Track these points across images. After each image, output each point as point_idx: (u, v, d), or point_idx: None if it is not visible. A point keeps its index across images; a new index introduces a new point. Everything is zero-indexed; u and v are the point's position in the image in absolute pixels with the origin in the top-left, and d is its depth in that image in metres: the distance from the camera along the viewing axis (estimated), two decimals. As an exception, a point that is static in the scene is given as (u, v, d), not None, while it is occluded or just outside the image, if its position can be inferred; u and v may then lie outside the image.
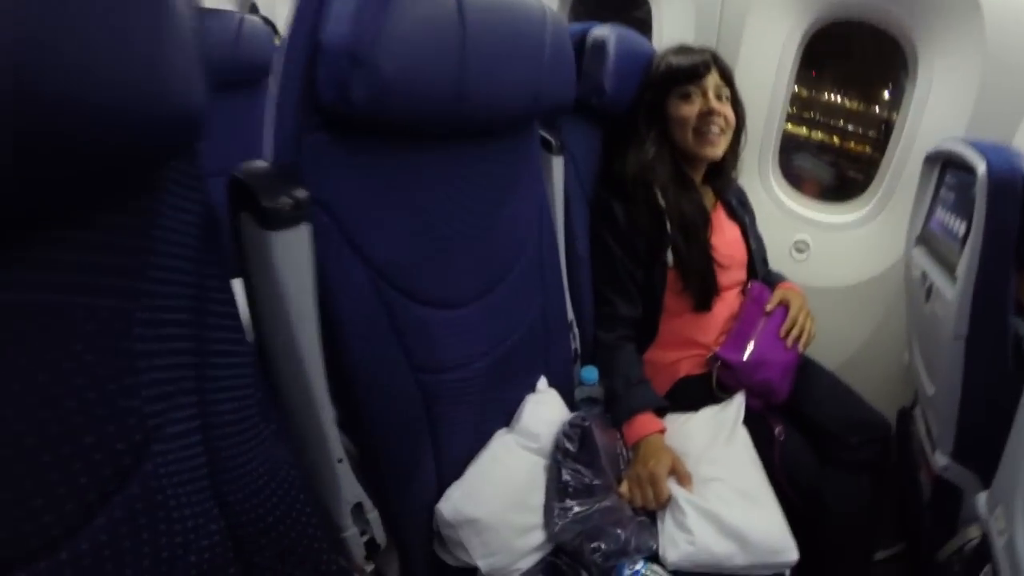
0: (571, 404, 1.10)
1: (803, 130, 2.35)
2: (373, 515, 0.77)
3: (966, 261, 1.09)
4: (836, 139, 2.35)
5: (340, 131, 0.68)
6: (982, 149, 1.09)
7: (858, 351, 1.86)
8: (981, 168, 1.05)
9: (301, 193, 0.61)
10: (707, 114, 1.18)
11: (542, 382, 1.06)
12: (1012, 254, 1.04)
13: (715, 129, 1.19)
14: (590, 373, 1.12)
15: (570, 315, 1.18)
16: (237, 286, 0.57)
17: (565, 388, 1.11)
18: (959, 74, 1.55)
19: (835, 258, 1.85)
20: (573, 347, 1.19)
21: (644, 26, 1.88)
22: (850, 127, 2.33)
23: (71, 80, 0.31)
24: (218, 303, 0.52)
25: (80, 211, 0.39)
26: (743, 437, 1.09)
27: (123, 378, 0.43)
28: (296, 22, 0.64)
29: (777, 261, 1.54)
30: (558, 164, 1.09)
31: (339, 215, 0.70)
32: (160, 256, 0.45)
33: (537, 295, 1.05)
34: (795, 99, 1.90)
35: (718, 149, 1.21)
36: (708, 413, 1.15)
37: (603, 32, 1.17)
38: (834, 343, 1.83)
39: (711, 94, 1.19)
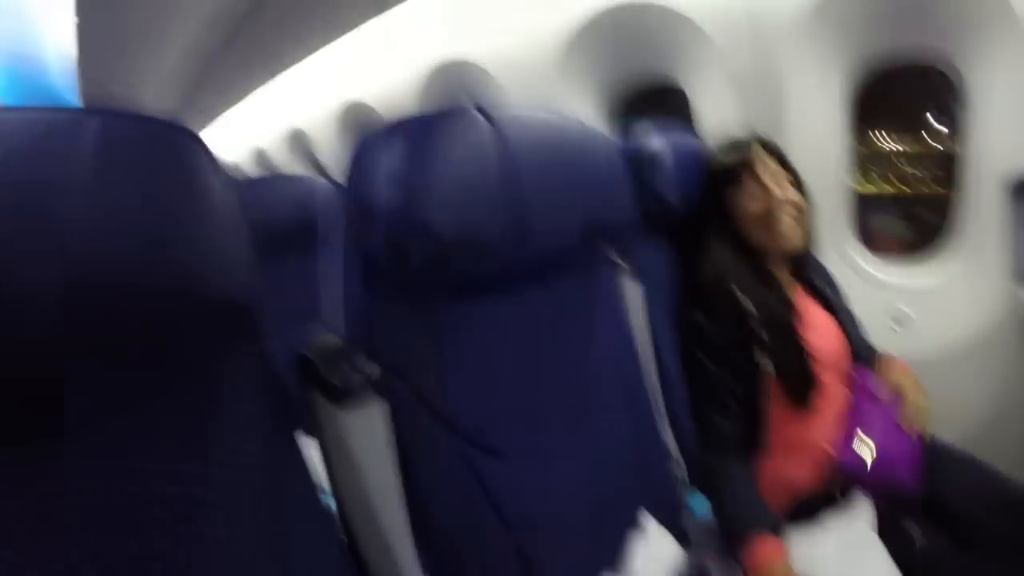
0: (682, 538, 0.99)
1: (869, 187, 2.23)
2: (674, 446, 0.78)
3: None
4: (905, 187, 2.22)
5: (405, 296, 0.68)
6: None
7: (987, 419, 1.63)
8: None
9: (371, 368, 0.61)
10: (775, 208, 1.10)
11: (647, 518, 0.96)
12: None
13: (786, 220, 1.10)
14: (699, 503, 1.02)
15: (671, 443, 1.07)
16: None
17: (673, 522, 1.00)
18: (1012, 90, 1.44)
19: (938, 320, 1.67)
20: (678, 477, 1.08)
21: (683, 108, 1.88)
22: (913, 170, 2.20)
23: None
24: (294, 481, 0.51)
25: (146, 397, 0.40)
26: (879, 552, 0.96)
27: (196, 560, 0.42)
28: (352, 190, 0.66)
29: (875, 337, 1.39)
30: (634, 288, 1.03)
31: (416, 383, 0.68)
32: (227, 437, 0.45)
33: (630, 428, 0.96)
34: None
35: (796, 239, 1.13)
36: (834, 527, 1.01)
37: (657, 144, 1.14)
38: (957, 416, 1.62)
39: (770, 183, 1.11)
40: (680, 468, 1.05)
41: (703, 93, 1.81)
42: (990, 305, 1.58)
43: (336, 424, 0.58)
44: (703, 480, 1.07)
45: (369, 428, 0.61)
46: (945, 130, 2.10)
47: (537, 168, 0.75)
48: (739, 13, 1.63)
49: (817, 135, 1.66)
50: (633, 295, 1.03)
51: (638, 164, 1.11)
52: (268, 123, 3.78)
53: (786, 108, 1.64)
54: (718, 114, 1.75)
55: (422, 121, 0.68)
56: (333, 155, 3.35)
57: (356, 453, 0.60)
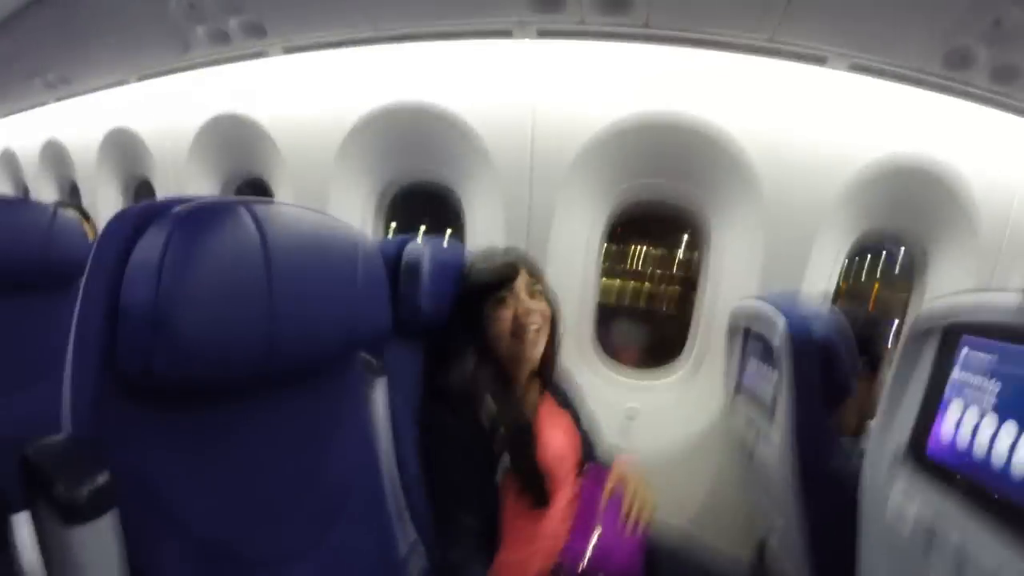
0: None
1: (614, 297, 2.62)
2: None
3: (782, 407, 1.18)
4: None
5: (143, 398, 0.61)
6: (778, 304, 1.24)
7: (705, 501, 1.92)
8: (780, 327, 1.18)
9: (103, 477, 0.54)
10: (522, 315, 1.18)
11: None
12: (821, 402, 1.15)
13: (532, 328, 1.18)
14: None
15: (411, 537, 1.04)
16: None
17: None
18: (747, 239, 1.82)
19: (665, 418, 1.96)
20: None
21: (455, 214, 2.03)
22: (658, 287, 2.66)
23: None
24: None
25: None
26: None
27: None
28: (91, 279, 0.59)
29: (610, 431, 1.57)
30: (380, 386, 1.01)
31: (152, 491, 0.61)
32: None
33: (374, 533, 0.91)
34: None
35: (538, 348, 1.21)
36: None
37: (416, 250, 1.15)
38: (680, 500, 1.89)
39: (523, 294, 1.20)
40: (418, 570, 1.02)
41: (475, 203, 1.97)
42: (709, 409, 1.91)
43: (65, 544, 0.53)
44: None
45: (101, 546, 0.54)
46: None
47: (297, 273, 0.70)
48: (523, 139, 1.84)
49: (575, 257, 1.92)
50: (380, 395, 1.01)
51: (398, 271, 1.14)
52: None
53: (552, 233, 1.86)
54: (487, 233, 1.91)
55: (187, 210, 0.61)
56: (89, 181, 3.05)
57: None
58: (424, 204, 2.17)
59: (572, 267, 1.91)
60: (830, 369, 1.16)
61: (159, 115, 2.51)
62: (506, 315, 1.17)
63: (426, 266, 1.14)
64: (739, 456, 1.69)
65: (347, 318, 0.82)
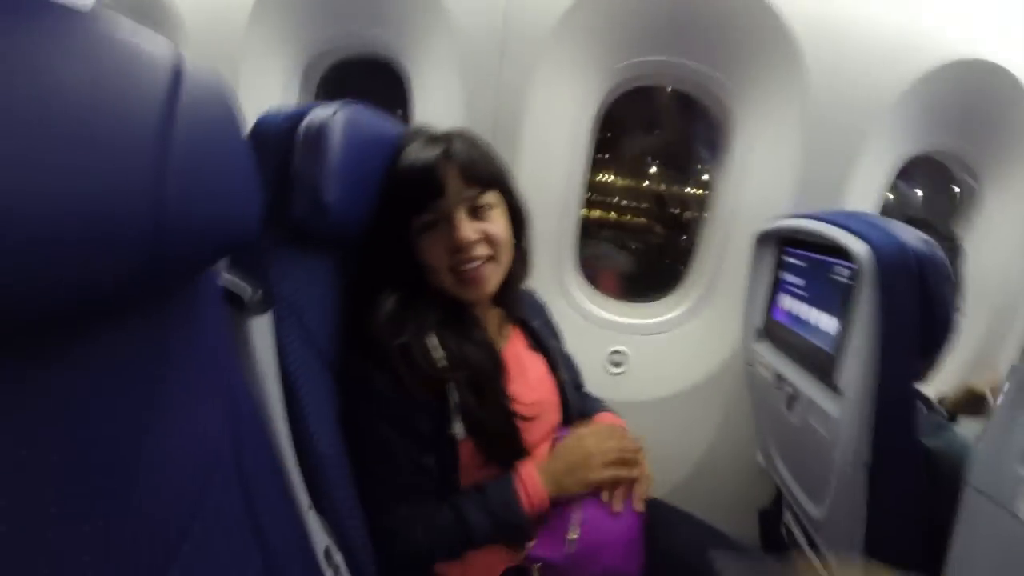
0: None
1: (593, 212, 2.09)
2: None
3: (857, 371, 0.84)
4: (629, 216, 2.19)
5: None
6: (851, 226, 0.86)
7: (702, 460, 1.62)
8: (863, 252, 0.80)
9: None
10: (457, 249, 0.81)
11: None
12: (917, 358, 0.80)
13: (475, 263, 0.83)
14: None
15: (325, 543, 0.69)
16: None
17: None
18: (780, 138, 1.41)
19: (659, 364, 1.61)
20: None
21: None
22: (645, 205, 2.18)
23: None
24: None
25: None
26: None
27: None
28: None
29: (591, 379, 1.21)
30: (262, 327, 0.65)
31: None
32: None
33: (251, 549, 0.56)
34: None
35: (488, 284, 0.85)
36: None
37: (323, 115, 0.71)
38: (674, 457, 1.60)
39: (459, 215, 0.82)
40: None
41: (428, 81, 1.49)
42: (715, 353, 1.56)
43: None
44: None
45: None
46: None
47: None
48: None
49: (555, 157, 1.47)
50: (264, 344, 0.66)
51: (289, 146, 0.70)
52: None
53: (527, 123, 1.41)
54: (441, 108, 1.45)
55: None
56: None
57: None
58: (364, 84, 1.65)
59: (551, 168, 1.46)
60: (928, 317, 0.80)
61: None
62: (437, 247, 0.81)
63: (336, 139, 0.70)
64: (757, 415, 1.38)
65: (149, 207, 0.41)
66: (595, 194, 1.92)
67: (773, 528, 1.39)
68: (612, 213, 2.16)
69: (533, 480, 0.83)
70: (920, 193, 1.82)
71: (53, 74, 0.30)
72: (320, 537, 0.70)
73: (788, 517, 1.31)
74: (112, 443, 0.40)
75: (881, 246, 0.79)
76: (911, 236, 0.82)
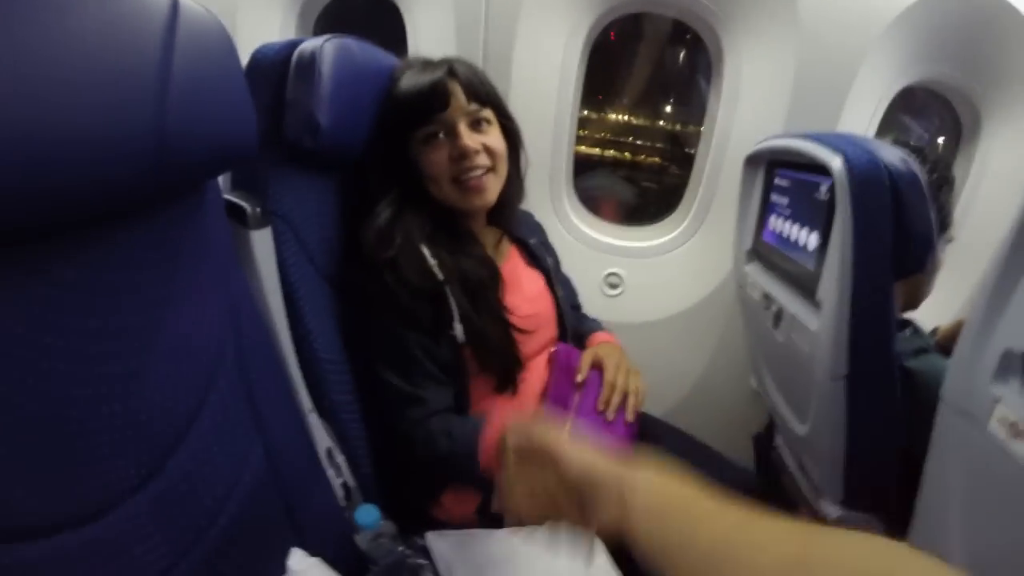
0: (351, 567, 0.74)
1: (593, 150, 2.11)
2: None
3: (833, 284, 0.86)
4: (628, 154, 2.17)
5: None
6: (830, 142, 0.87)
7: (697, 383, 1.68)
8: (836, 165, 0.82)
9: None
10: (460, 157, 0.87)
11: (296, 557, 0.67)
12: (890, 269, 0.83)
13: (477, 172, 0.89)
14: (367, 514, 0.77)
15: (327, 444, 0.76)
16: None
17: (338, 548, 0.74)
18: (772, 63, 1.40)
19: (654, 287, 1.64)
20: (340, 485, 0.80)
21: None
22: (641, 142, 2.16)
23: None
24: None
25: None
26: (600, 556, 0.82)
27: None
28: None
29: (588, 301, 1.26)
30: (263, 240, 0.72)
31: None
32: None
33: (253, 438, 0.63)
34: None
35: (489, 194, 0.92)
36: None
37: (314, 44, 0.78)
38: (669, 380, 1.65)
39: (461, 127, 0.88)
40: (341, 474, 0.82)
41: (420, 17, 1.50)
42: (709, 277, 1.58)
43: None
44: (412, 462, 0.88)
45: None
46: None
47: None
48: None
49: (546, 78, 1.47)
50: (264, 255, 0.73)
51: (284, 74, 0.78)
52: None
53: (516, 44, 1.40)
54: (431, 46, 1.44)
55: None
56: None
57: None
58: (361, 21, 1.65)
59: (543, 94, 1.47)
60: (903, 231, 0.82)
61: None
62: (439, 157, 0.86)
63: (326, 68, 0.76)
64: (749, 336, 1.42)
65: (151, 119, 0.45)
66: (587, 130, 1.93)
67: (767, 452, 1.44)
68: (611, 150, 2.17)
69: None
70: (925, 131, 1.79)
71: (66, 10, 0.36)
72: (322, 437, 0.78)
73: (779, 440, 1.37)
74: (128, 333, 0.46)
75: (854, 157, 0.80)
76: (887, 152, 0.83)
